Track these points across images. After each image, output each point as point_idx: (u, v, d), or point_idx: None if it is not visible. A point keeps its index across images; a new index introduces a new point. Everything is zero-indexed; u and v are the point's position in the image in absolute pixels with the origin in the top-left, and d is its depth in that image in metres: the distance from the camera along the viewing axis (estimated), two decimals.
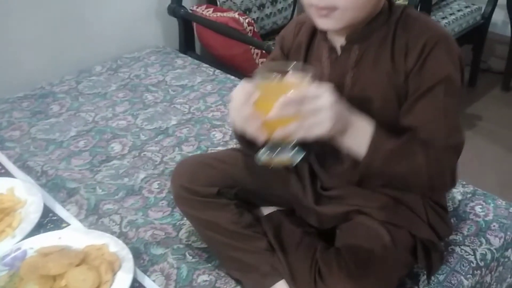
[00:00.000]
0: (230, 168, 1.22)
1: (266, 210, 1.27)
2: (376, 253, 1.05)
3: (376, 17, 1.02)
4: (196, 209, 1.21)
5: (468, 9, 2.78)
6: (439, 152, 0.97)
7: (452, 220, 1.33)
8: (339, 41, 1.06)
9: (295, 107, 0.88)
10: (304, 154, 0.96)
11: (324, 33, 1.08)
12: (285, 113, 0.88)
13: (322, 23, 0.99)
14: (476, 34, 2.83)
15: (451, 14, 2.72)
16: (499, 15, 3.21)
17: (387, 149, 0.96)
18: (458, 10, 2.76)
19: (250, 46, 2.18)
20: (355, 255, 1.05)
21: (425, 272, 1.16)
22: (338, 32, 1.03)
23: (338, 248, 1.11)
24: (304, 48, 1.13)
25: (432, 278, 1.18)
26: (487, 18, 2.84)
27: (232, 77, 2.09)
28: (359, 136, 0.96)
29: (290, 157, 0.94)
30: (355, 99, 1.02)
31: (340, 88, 1.03)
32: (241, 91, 0.93)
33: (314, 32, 1.12)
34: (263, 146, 0.95)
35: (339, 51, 1.07)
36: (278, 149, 0.94)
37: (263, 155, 0.95)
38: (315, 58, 1.11)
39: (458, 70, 1.00)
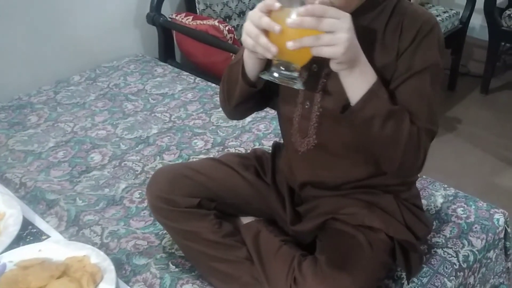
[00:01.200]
0: (208, 180, 1.22)
1: (246, 220, 1.27)
2: (354, 258, 1.06)
3: (368, 2, 1.02)
4: (174, 220, 1.20)
5: (446, 14, 2.81)
6: (420, 130, 0.98)
7: (434, 223, 1.34)
8: None
9: (316, 20, 0.85)
10: (304, 82, 0.95)
11: None
12: (305, 23, 0.85)
13: None
14: (454, 39, 2.87)
15: None
16: (476, 20, 3.27)
17: (383, 101, 0.96)
18: (437, 15, 2.79)
19: (231, 54, 2.18)
20: (332, 261, 1.05)
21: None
22: None
23: (315, 255, 1.11)
24: None
25: (416, 280, 1.19)
26: (465, 22, 2.88)
27: (213, 85, 2.09)
28: (363, 77, 0.95)
29: (292, 80, 0.92)
30: (333, 74, 0.99)
31: (319, 63, 1.04)
32: (261, 4, 0.90)
33: None
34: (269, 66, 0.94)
35: None
36: (283, 69, 0.91)
37: (267, 73, 0.93)
38: None
39: (443, 59, 1.03)
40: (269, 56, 0.91)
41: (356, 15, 0.98)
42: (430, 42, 1.00)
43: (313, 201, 1.18)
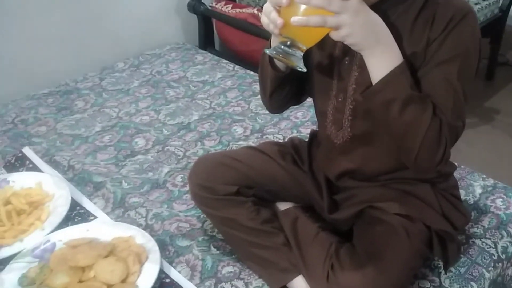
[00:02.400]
0: (247, 168, 1.23)
1: (283, 206, 1.28)
2: (390, 246, 1.06)
3: None
4: (214, 207, 1.22)
5: (486, 2, 2.76)
6: (443, 124, 0.95)
7: (472, 213, 1.34)
8: None
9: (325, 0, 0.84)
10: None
11: None
12: (313, 1, 0.84)
13: None
14: (493, 27, 2.81)
15: None
16: None
17: (404, 85, 0.93)
18: (476, 3, 2.74)
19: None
20: (369, 249, 1.06)
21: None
22: None
23: (351, 243, 1.12)
24: None
25: (453, 270, 1.20)
26: (505, 11, 2.82)
27: (252, 73, 2.11)
28: (386, 59, 0.93)
29: (294, 59, 0.90)
30: (365, 67, 0.98)
31: (351, 55, 1.03)
32: None
33: None
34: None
35: None
36: (287, 47, 0.90)
37: (271, 49, 0.92)
38: None
39: (477, 49, 0.99)
40: (276, 31, 0.90)
41: (386, 8, 0.98)
42: (461, 30, 0.96)
43: (350, 190, 1.19)
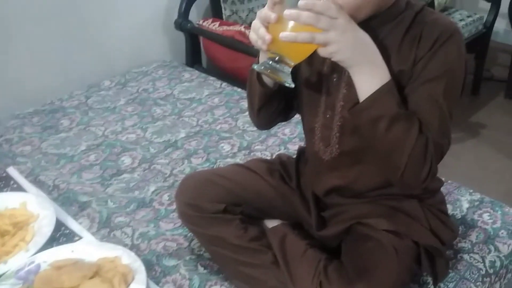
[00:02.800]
0: (234, 186, 1.23)
1: (271, 223, 1.28)
2: (379, 262, 1.06)
3: (386, 11, 1.00)
4: (201, 225, 1.22)
5: (470, 19, 2.80)
6: (428, 141, 0.96)
7: (460, 228, 1.35)
8: None
9: (314, 16, 0.85)
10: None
11: None
12: (302, 17, 0.85)
13: None
14: (478, 43, 2.86)
15: None
16: (501, 24, 3.24)
17: (391, 103, 0.94)
18: (460, 20, 2.78)
19: (256, 59, 2.21)
20: (357, 266, 1.06)
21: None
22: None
23: (340, 259, 1.12)
24: None
25: (442, 285, 1.19)
26: (489, 27, 2.86)
27: (239, 90, 2.11)
28: (373, 77, 0.94)
29: (282, 75, 0.91)
30: (353, 84, 0.98)
31: (339, 72, 1.04)
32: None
33: None
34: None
35: None
36: (275, 63, 0.91)
37: (259, 64, 0.93)
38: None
39: (462, 68, 1.00)
40: (264, 47, 0.91)
41: (375, 26, 1.00)
42: (447, 49, 0.97)
43: (338, 207, 1.19)
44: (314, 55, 0.96)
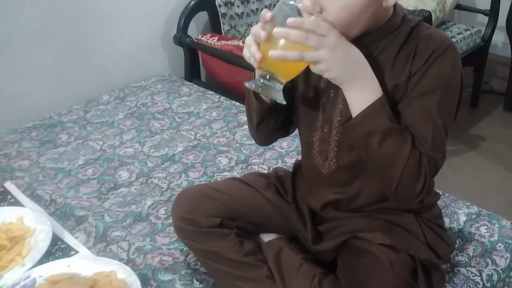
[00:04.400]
0: (230, 200, 1.23)
1: (267, 237, 1.28)
2: (374, 277, 1.06)
3: (381, 27, 1.01)
4: (197, 240, 1.22)
5: (468, 32, 2.81)
6: (422, 156, 0.96)
7: (457, 241, 1.34)
8: None
9: (303, 34, 0.86)
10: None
11: None
12: (291, 35, 0.86)
13: None
14: (477, 56, 2.87)
15: (451, 38, 2.76)
16: (499, 37, 3.25)
17: (384, 118, 0.95)
18: (458, 33, 2.80)
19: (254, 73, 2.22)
20: (353, 280, 1.06)
21: None
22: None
23: (335, 273, 1.11)
24: None
25: None
26: (487, 40, 2.88)
27: (237, 104, 2.12)
28: (365, 93, 0.95)
29: (273, 92, 0.92)
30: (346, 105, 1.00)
31: (336, 87, 1.03)
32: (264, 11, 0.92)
33: None
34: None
35: None
36: (266, 80, 0.92)
37: (251, 82, 0.94)
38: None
39: (458, 82, 1.00)
40: (255, 64, 0.92)
41: (370, 42, 1.01)
42: (442, 64, 0.97)
43: (334, 221, 1.19)
44: (311, 74, 0.98)
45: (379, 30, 1.01)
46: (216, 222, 1.20)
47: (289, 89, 1.12)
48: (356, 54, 0.94)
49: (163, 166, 1.74)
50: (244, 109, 2.02)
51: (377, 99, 0.95)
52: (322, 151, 1.13)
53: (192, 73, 2.47)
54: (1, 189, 1.61)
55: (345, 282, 1.06)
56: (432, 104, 0.97)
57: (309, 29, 0.87)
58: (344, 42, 0.92)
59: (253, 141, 1.30)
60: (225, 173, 1.68)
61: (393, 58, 1.00)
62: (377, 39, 1.01)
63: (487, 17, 2.90)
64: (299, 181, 1.28)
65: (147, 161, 1.77)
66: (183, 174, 1.69)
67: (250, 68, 2.29)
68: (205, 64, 2.45)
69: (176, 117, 2.05)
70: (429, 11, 2.30)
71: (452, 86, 1.00)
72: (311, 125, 1.13)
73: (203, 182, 1.63)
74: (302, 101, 1.14)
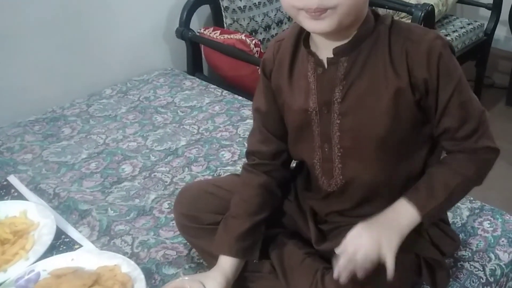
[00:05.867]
0: (231, 196, 1.21)
1: (269, 232, 1.25)
2: (378, 273, 1.03)
3: (363, 26, 0.99)
4: (199, 236, 1.22)
5: (471, 26, 2.81)
6: (475, 153, 1.05)
7: (460, 236, 1.34)
8: (325, 54, 1.02)
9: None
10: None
11: (308, 46, 1.05)
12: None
13: (315, 26, 0.95)
14: (479, 50, 2.86)
15: (454, 32, 2.75)
16: (501, 31, 3.25)
17: (437, 206, 1.03)
18: (461, 27, 2.79)
19: (257, 67, 2.21)
20: (356, 277, 1.03)
21: None
22: (327, 38, 1.00)
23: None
24: (287, 65, 1.09)
25: None
26: (489, 34, 2.87)
27: (240, 98, 2.12)
28: (401, 218, 1.03)
29: None
30: (346, 112, 1.02)
31: (328, 104, 1.03)
32: None
33: (296, 47, 1.08)
34: None
35: (325, 64, 1.03)
36: None
37: None
38: (300, 74, 1.08)
39: (459, 68, 1.03)
40: None
41: (356, 44, 1.00)
42: (449, 61, 0.98)
43: (338, 223, 1.17)
44: (296, 96, 1.02)
45: (361, 31, 1.00)
46: (218, 219, 1.20)
47: (278, 119, 1.14)
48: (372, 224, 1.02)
49: (166, 160, 1.74)
50: (248, 103, 2.04)
51: (406, 198, 1.03)
52: (325, 170, 1.11)
53: (194, 67, 2.47)
54: (5, 183, 1.61)
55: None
56: (462, 93, 1.00)
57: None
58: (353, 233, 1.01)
59: None
60: (228, 167, 1.68)
61: (385, 61, 0.99)
62: (361, 41, 1.00)
63: (490, 11, 2.90)
64: (301, 182, 1.24)
65: (150, 155, 1.77)
66: (186, 168, 1.69)
67: (253, 62, 2.29)
68: (208, 58, 2.45)
69: (178, 111, 2.04)
70: (431, 5, 2.29)
71: (461, 75, 1.01)
72: (309, 146, 1.11)
73: (205, 177, 1.64)
74: (296, 126, 1.12)
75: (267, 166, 1.18)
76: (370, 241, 0.98)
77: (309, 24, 0.95)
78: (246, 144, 1.77)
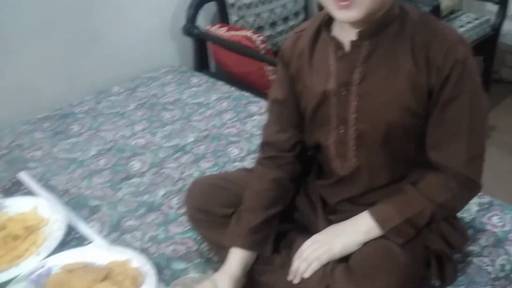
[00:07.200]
0: (241, 190, 1.23)
1: (280, 227, 1.26)
2: (387, 266, 1.04)
3: (387, 12, 1.01)
4: (210, 229, 1.23)
5: (478, 21, 2.79)
6: (461, 176, 1.06)
7: (469, 231, 1.34)
8: (348, 37, 1.05)
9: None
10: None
11: (329, 30, 1.08)
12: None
13: (343, 15, 0.98)
14: (486, 45, 2.85)
15: (460, 27, 2.74)
16: (509, 26, 3.22)
17: (396, 222, 1.06)
18: (468, 22, 2.78)
19: (264, 63, 2.22)
20: (365, 269, 1.05)
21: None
22: (353, 24, 1.02)
23: (347, 261, 1.10)
24: (307, 51, 1.12)
25: None
26: (497, 29, 2.86)
27: (247, 94, 2.12)
28: (359, 227, 1.08)
29: None
30: (364, 94, 1.03)
31: (347, 85, 1.05)
32: None
33: (316, 36, 1.12)
34: None
35: (347, 47, 1.06)
36: None
37: None
38: (321, 58, 1.10)
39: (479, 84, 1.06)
40: None
41: (380, 29, 1.02)
42: (469, 70, 1.01)
43: (347, 212, 1.17)
44: (316, 79, 1.02)
45: (385, 16, 1.02)
46: (229, 212, 1.21)
47: (295, 107, 1.16)
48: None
49: (174, 156, 1.75)
50: (255, 99, 2.05)
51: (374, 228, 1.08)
52: (340, 153, 1.12)
53: (201, 63, 2.47)
54: (15, 179, 1.62)
55: (357, 270, 1.05)
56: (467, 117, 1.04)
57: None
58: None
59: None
60: (236, 163, 1.69)
61: (406, 52, 1.01)
62: (384, 27, 1.02)
63: (497, 6, 2.88)
64: (313, 171, 1.26)
65: (159, 152, 1.78)
66: (195, 165, 1.70)
67: (259, 58, 2.29)
68: (215, 54, 2.46)
69: (186, 108, 2.05)
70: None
71: (475, 94, 1.04)
72: (324, 128, 1.12)
73: (214, 172, 1.64)
74: (312, 107, 1.13)
75: (281, 158, 1.20)
76: (322, 244, 1.09)
77: (338, 13, 0.98)
78: (254, 140, 1.79)
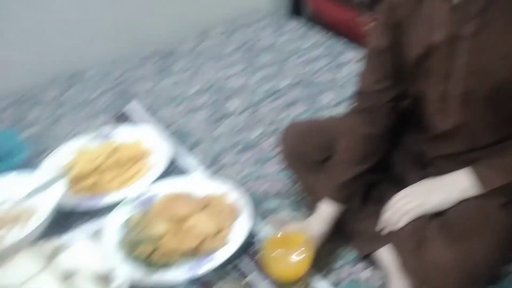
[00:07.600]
0: (336, 137, 1.21)
1: (371, 177, 1.23)
2: (486, 224, 1.00)
3: None
4: (304, 170, 1.25)
5: None
6: None
7: None
8: None
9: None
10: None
11: None
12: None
13: None
14: None
15: None
16: None
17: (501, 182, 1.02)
18: None
19: (358, 13, 2.17)
20: (463, 225, 1.00)
21: None
22: None
23: (443, 216, 1.06)
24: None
25: None
26: None
27: (342, 41, 2.10)
28: (457, 183, 1.05)
29: None
30: (477, 48, 0.96)
31: (456, 38, 0.98)
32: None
33: None
34: None
35: None
36: None
37: None
38: (429, 8, 1.02)
39: None
40: None
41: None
42: None
43: (444, 167, 1.12)
44: (423, 30, 0.99)
45: None
46: (323, 157, 1.21)
47: (395, 57, 1.09)
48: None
49: (268, 99, 1.79)
50: (349, 47, 2.02)
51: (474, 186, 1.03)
52: (442, 108, 1.07)
53: (297, 8, 2.45)
54: (123, 110, 1.73)
55: (455, 225, 1.01)
56: None
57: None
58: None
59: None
60: (329, 109, 1.70)
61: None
62: None
63: None
64: (411, 124, 1.21)
65: (254, 94, 1.83)
66: (288, 108, 1.73)
67: (354, 5, 2.20)
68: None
69: (281, 53, 2.07)
70: None
71: None
72: (427, 81, 1.07)
73: (307, 118, 1.67)
74: (417, 60, 1.07)
75: (375, 112, 1.16)
76: (416, 198, 1.07)
77: None
78: (347, 87, 1.78)
